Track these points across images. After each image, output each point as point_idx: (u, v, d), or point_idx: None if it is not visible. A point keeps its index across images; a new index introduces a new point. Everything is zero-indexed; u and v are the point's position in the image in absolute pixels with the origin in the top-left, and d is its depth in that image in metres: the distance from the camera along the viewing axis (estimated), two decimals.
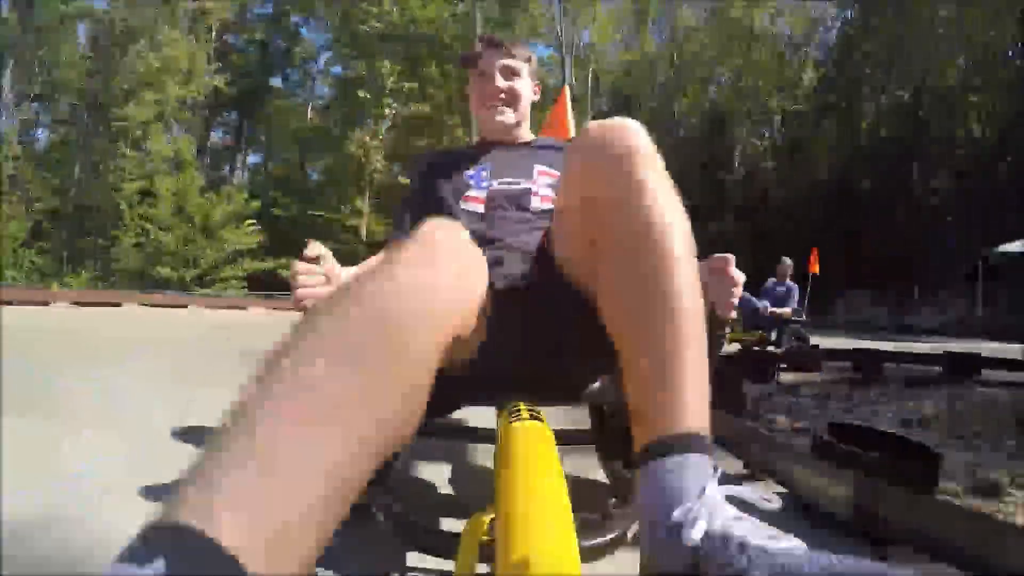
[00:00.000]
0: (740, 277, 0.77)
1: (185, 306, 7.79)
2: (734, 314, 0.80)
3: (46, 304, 6.23)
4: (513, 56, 1.08)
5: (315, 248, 0.79)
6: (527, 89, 1.11)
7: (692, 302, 0.51)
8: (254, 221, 16.77)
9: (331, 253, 0.82)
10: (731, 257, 0.77)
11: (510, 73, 1.07)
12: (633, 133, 0.59)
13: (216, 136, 23.66)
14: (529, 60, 1.11)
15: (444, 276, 0.47)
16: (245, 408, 0.34)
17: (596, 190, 0.60)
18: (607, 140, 0.60)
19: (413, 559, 0.83)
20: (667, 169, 0.59)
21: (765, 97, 17.71)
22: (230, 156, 24.38)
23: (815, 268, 5.83)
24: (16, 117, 22.47)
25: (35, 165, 20.60)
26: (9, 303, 5.66)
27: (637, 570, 0.45)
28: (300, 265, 0.77)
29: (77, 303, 6.65)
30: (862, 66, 16.90)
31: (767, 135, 18.53)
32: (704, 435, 0.46)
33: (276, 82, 23.21)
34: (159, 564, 0.27)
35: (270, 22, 22.98)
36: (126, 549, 0.29)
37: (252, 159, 24.93)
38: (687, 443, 0.45)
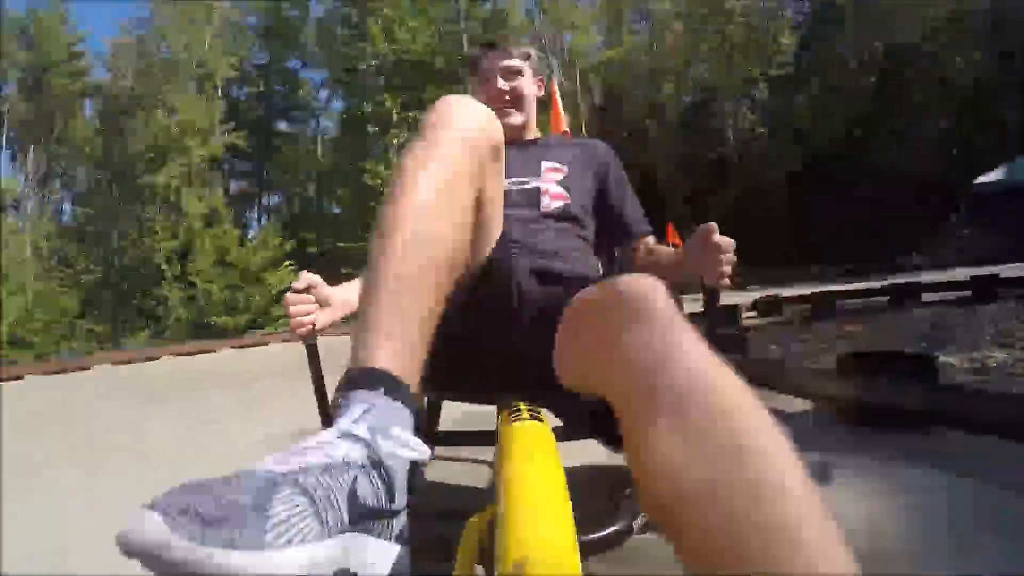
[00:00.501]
0: (726, 243, 0.78)
1: (266, 343, 8.69)
2: (727, 280, 0.79)
3: (157, 358, 6.91)
4: (512, 56, 1.08)
5: (304, 279, 0.86)
6: (530, 87, 1.11)
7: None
8: (291, 262, 17.90)
9: (321, 279, 0.89)
10: (713, 225, 0.78)
11: (511, 73, 1.08)
12: (654, 298, 0.49)
13: (235, 184, 24.97)
14: (529, 57, 1.11)
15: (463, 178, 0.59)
16: (367, 285, 0.53)
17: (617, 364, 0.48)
18: (627, 310, 0.49)
19: (412, 559, 1.04)
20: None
21: (747, 68, 18.49)
22: (250, 200, 25.76)
23: (675, 240, 6.78)
24: (44, 195, 23.93)
25: (76, 240, 21.98)
26: (155, 358, 6.77)
27: (637, 569, 0.44)
28: (291, 296, 0.84)
29: (179, 354, 7.20)
30: (838, 25, 17.67)
31: (752, 107, 19.29)
32: None
33: (282, 126, 24.37)
34: (378, 390, 0.44)
35: (269, 71, 24.27)
36: (342, 383, 0.46)
37: (272, 200, 26.21)
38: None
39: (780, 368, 2.06)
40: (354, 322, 0.53)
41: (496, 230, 0.72)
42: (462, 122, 0.60)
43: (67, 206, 25.39)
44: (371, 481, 0.39)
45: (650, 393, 0.42)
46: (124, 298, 21.27)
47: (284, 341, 8.35)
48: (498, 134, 0.64)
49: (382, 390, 0.44)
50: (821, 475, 1.20)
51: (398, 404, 0.44)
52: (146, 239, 19.88)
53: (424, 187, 0.56)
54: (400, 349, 0.48)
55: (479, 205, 0.63)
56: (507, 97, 1.07)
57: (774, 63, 18.46)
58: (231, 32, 22.19)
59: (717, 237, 0.77)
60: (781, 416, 1.64)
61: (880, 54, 17.01)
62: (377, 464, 0.40)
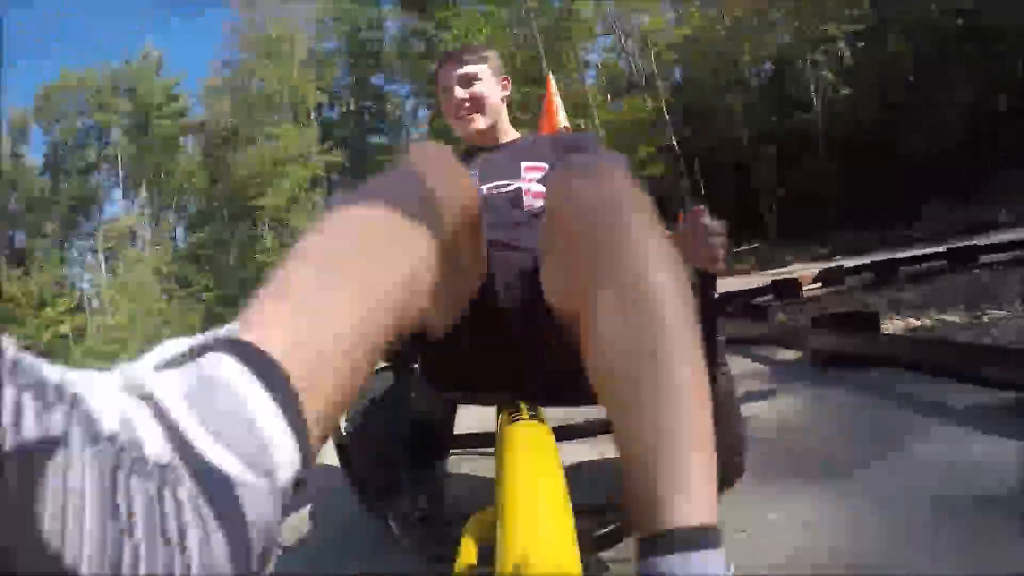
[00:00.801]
0: (717, 226, 0.76)
1: None
2: (721, 265, 0.77)
3: None
4: (466, 62, 1.09)
5: None
6: (491, 89, 1.11)
7: (692, 364, 0.45)
8: None
9: None
10: (703, 208, 0.77)
11: (468, 80, 1.09)
12: (616, 179, 0.54)
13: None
14: (487, 60, 1.12)
15: (440, 187, 0.52)
16: (284, 265, 0.38)
17: (580, 243, 0.53)
18: (590, 192, 0.54)
19: (413, 559, 0.79)
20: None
21: (823, 26, 18.04)
22: None
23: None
24: (159, 225, 26.66)
25: (192, 261, 24.47)
26: None
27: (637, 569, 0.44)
28: None
29: None
30: None
31: (832, 66, 18.83)
32: (713, 527, 0.40)
33: (376, 139, 25.92)
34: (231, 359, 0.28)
35: (355, 90, 25.85)
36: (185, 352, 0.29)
37: None
38: (695, 539, 0.39)
39: (776, 327, 2.88)
40: None
41: (478, 264, 0.72)
42: (433, 180, 0.54)
43: (180, 231, 28.04)
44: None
45: (598, 283, 0.49)
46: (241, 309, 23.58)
47: None
48: (465, 188, 0.61)
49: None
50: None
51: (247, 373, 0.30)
52: (258, 256, 21.86)
53: (390, 182, 0.52)
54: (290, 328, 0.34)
55: (455, 222, 0.57)
56: (467, 104, 1.09)
57: (850, 17, 17.91)
58: (315, 59, 23.88)
59: (707, 220, 0.77)
60: (774, 362, 2.38)
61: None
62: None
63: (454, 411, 1.24)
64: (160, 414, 0.25)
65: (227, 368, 0.28)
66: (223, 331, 0.31)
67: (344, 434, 0.85)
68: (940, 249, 5.66)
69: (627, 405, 0.46)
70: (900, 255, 5.94)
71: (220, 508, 0.24)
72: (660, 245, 0.50)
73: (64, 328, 22.73)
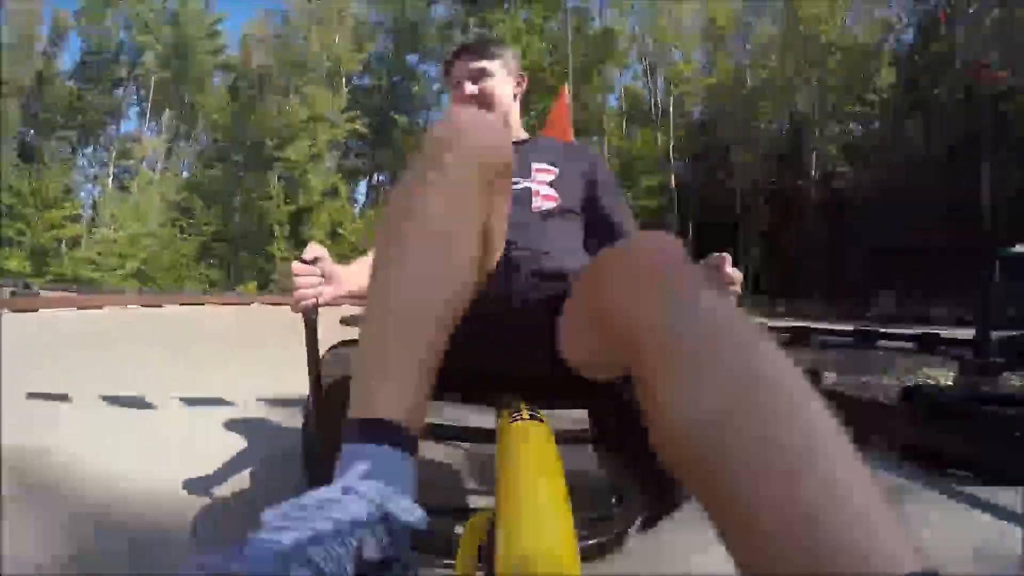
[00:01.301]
0: (737, 275, 0.77)
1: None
2: None
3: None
4: (479, 57, 1.07)
5: (312, 250, 0.80)
6: (502, 86, 1.08)
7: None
8: None
9: (327, 253, 0.83)
10: (727, 256, 0.77)
11: (479, 76, 1.06)
12: (670, 258, 0.49)
13: (349, 162, 27.50)
14: (500, 56, 1.09)
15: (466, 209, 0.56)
16: (368, 321, 0.51)
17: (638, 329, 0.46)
18: (644, 272, 0.48)
19: (413, 559, 0.73)
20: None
21: (843, 102, 18.84)
22: (358, 177, 28.40)
23: None
24: (173, 154, 27.20)
25: (200, 196, 25.08)
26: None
27: (637, 569, 0.48)
28: (297, 266, 0.78)
29: (277, 304, 8.45)
30: (940, 61, 17.71)
31: (842, 137, 19.55)
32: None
33: (398, 115, 26.69)
34: (382, 444, 0.43)
35: (390, 64, 26.62)
36: (346, 432, 0.45)
37: (380, 178, 28.50)
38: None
39: None
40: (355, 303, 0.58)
41: (500, 245, 0.73)
42: (473, 140, 0.57)
43: (194, 164, 28.50)
44: (377, 539, 0.37)
45: (669, 335, 0.42)
46: (236, 251, 24.26)
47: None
48: (508, 150, 0.62)
49: (387, 444, 0.44)
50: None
51: (400, 454, 0.44)
52: (263, 203, 22.51)
53: (432, 217, 0.53)
54: (402, 392, 0.47)
55: (486, 229, 0.62)
56: (476, 100, 1.05)
57: (868, 99, 18.61)
58: (359, 30, 24.67)
59: (729, 269, 0.76)
60: None
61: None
62: (383, 519, 0.38)
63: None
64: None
65: (385, 455, 0.44)
66: (360, 414, 0.46)
67: (310, 421, 0.88)
68: (848, 328, 6.81)
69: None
70: (815, 325, 7.06)
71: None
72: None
73: (66, 232, 23.25)
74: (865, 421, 1.81)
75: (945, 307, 12.29)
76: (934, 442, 1.65)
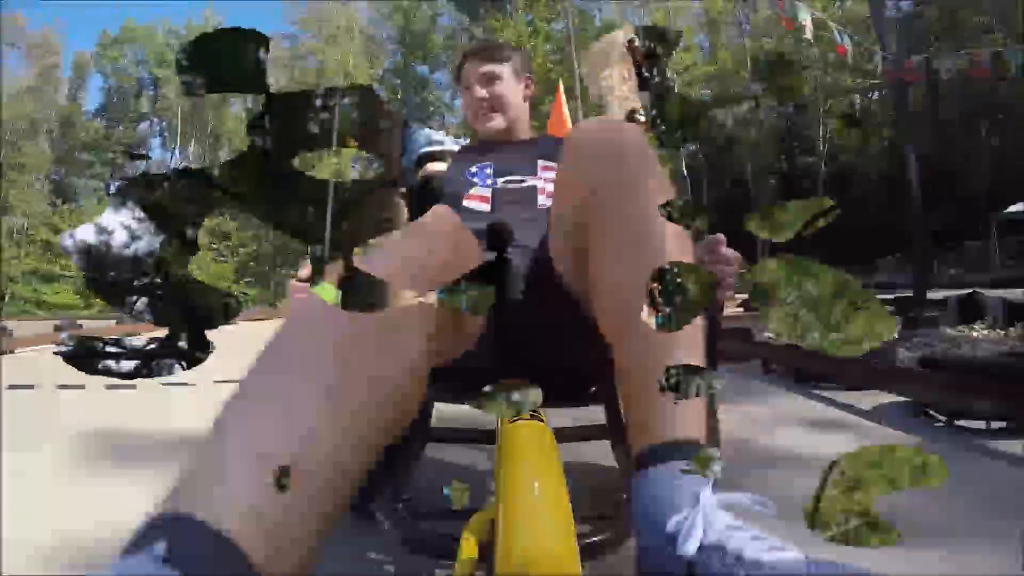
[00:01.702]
0: (732, 255, 0.78)
1: None
2: (730, 292, 0.81)
3: None
4: (488, 61, 1.08)
5: (308, 268, 0.75)
6: (512, 89, 1.10)
7: None
8: None
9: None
10: (721, 237, 0.78)
11: (490, 79, 1.08)
12: (629, 133, 0.59)
13: None
14: (509, 59, 1.10)
15: (434, 267, 0.51)
16: (239, 401, 0.37)
17: (589, 189, 0.60)
18: (603, 139, 0.60)
19: (413, 559, 0.77)
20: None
21: (841, 79, 19.20)
22: None
23: None
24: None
25: (231, 218, 26.19)
26: None
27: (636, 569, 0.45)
28: (295, 284, 0.78)
29: None
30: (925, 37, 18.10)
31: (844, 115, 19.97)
32: (696, 441, 0.45)
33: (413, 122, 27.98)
34: (159, 548, 0.28)
35: (401, 75, 27.37)
36: (129, 541, 0.30)
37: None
38: (679, 450, 0.44)
39: None
40: None
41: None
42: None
43: None
44: None
45: (605, 226, 0.57)
46: (272, 269, 25.38)
47: None
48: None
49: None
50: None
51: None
52: None
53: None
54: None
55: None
56: (486, 103, 1.07)
57: (865, 73, 19.07)
58: (369, 45, 25.57)
59: (725, 249, 0.77)
60: None
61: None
62: None
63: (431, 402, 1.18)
64: None
65: None
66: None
67: None
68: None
69: (626, 334, 0.52)
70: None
71: None
72: (663, 195, 0.49)
73: None
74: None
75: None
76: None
